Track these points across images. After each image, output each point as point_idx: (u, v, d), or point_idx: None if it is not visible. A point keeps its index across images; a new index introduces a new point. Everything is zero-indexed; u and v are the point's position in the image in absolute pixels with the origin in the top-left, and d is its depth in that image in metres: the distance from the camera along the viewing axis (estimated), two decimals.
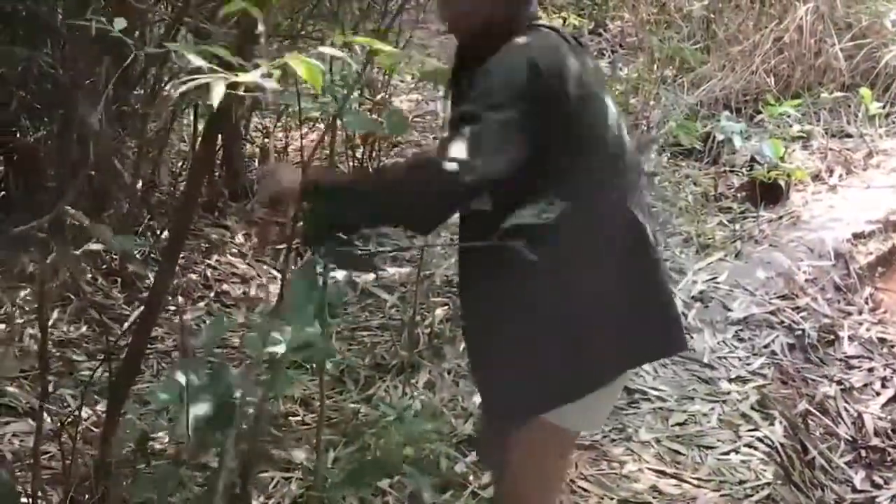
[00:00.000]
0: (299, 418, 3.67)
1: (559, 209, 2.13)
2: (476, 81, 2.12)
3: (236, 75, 1.36)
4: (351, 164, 5.62)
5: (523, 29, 2.24)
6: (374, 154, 5.66)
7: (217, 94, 1.27)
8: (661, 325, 2.37)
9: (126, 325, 4.22)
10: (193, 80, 1.29)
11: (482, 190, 2.04)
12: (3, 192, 4.70)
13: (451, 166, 1.99)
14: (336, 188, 2.18)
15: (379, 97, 5.62)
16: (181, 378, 2.53)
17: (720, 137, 6.14)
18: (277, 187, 2.19)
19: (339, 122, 2.88)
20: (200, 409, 2.42)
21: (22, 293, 4.22)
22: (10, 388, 3.57)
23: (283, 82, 1.55)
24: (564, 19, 7.84)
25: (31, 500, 2.67)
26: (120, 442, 2.81)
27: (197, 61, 1.54)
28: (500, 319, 2.29)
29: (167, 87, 4.54)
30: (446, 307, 4.46)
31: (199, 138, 2.56)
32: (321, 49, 1.43)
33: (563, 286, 2.23)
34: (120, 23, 1.86)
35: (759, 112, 6.49)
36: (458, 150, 2.01)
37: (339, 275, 5.07)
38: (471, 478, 3.25)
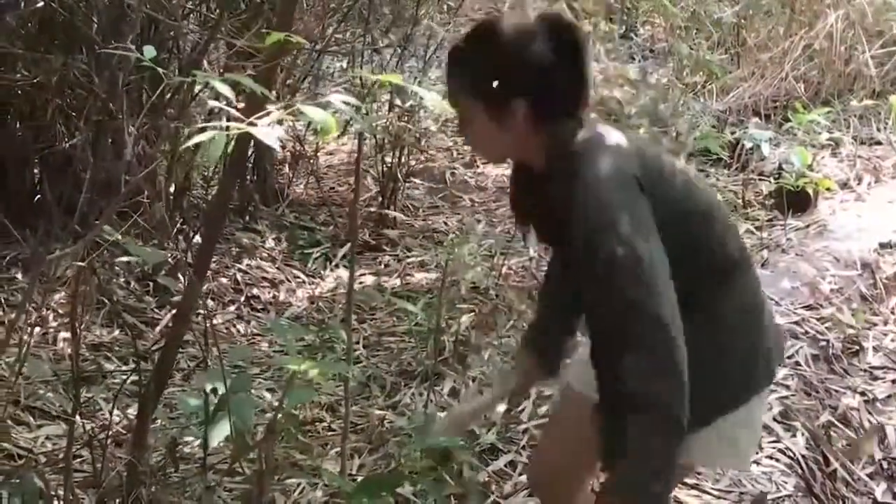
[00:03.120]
0: (326, 424, 3.73)
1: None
2: (589, 237, 2.01)
3: (246, 122, 1.41)
4: (380, 168, 5.68)
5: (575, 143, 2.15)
6: (402, 160, 5.70)
7: (217, 149, 1.32)
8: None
9: (158, 328, 4.31)
10: (205, 127, 1.34)
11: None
12: (38, 196, 4.80)
13: (665, 403, 1.97)
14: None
15: (408, 104, 5.67)
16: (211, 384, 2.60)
17: (748, 145, 6.15)
18: None
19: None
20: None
21: (56, 296, 4.31)
22: (44, 392, 3.65)
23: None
24: (595, 24, 7.85)
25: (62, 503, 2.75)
26: (150, 448, 2.88)
27: (223, 90, 1.60)
28: None
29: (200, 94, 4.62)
30: (472, 314, 4.50)
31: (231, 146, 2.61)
32: (331, 97, 1.47)
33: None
34: (149, 51, 1.91)
35: (789, 119, 6.49)
36: (641, 370, 1.96)
37: (368, 280, 5.15)
38: (493, 487, 3.30)
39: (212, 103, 1.43)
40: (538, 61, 2.12)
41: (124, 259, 3.98)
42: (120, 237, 2.23)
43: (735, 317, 2.27)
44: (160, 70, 1.87)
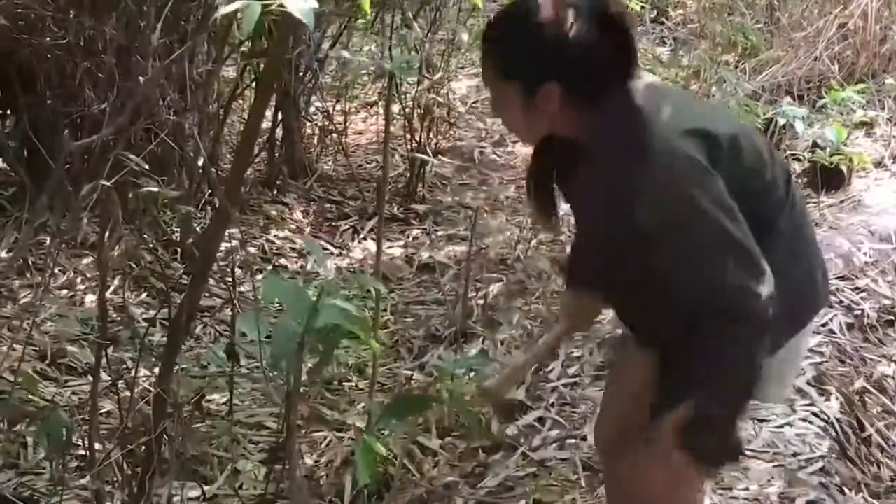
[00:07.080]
0: (353, 384, 3.72)
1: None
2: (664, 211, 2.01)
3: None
4: (409, 146, 5.64)
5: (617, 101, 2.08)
6: (430, 135, 5.67)
7: (251, 19, 1.29)
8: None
9: (185, 294, 4.29)
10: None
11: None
12: (68, 165, 4.79)
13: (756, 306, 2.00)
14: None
15: (437, 76, 5.63)
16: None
17: (782, 122, 6.08)
18: None
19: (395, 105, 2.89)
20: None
21: (84, 261, 4.32)
22: (71, 348, 3.64)
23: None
24: (626, 6, 7.80)
25: (87, 451, 2.73)
26: (175, 396, 2.85)
27: None
28: None
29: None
30: (501, 283, 4.47)
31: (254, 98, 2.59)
32: None
33: None
34: None
35: (822, 98, 6.42)
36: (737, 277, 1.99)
37: (396, 252, 5.12)
38: (521, 440, 3.27)
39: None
40: (576, 42, 2.03)
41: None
42: (144, 164, 2.21)
43: (790, 242, 2.26)
44: None
